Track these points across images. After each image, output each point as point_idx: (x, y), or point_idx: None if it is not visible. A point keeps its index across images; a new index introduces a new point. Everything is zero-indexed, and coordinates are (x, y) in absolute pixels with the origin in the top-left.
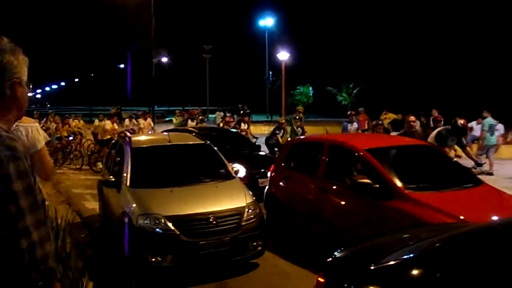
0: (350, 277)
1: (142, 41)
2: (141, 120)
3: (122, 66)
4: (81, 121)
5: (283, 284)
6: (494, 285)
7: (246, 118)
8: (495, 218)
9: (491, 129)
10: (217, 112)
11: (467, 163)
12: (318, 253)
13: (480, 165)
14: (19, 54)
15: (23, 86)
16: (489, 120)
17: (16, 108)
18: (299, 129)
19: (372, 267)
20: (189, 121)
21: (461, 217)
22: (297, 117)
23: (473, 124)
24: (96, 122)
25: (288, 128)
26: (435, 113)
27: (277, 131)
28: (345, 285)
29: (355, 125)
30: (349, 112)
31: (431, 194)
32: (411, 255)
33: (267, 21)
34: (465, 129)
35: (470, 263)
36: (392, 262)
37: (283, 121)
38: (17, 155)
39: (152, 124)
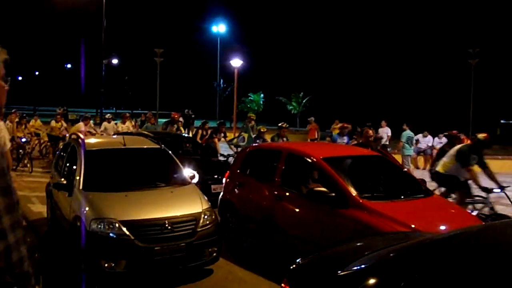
0: (317, 283)
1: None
2: (119, 124)
3: (69, 66)
4: (38, 121)
5: None
6: None
7: (223, 128)
8: (443, 227)
9: (409, 140)
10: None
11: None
12: (273, 260)
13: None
14: None
15: None
16: (408, 132)
17: None
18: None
19: (339, 273)
20: (169, 126)
21: (413, 226)
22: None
23: (419, 136)
24: (53, 123)
25: (245, 135)
26: (383, 124)
27: (257, 140)
28: None
29: (345, 139)
30: (340, 125)
31: (385, 204)
32: (374, 262)
33: (219, 27)
34: (487, 143)
35: (428, 273)
36: (357, 268)
37: (264, 129)
38: None
39: (131, 128)
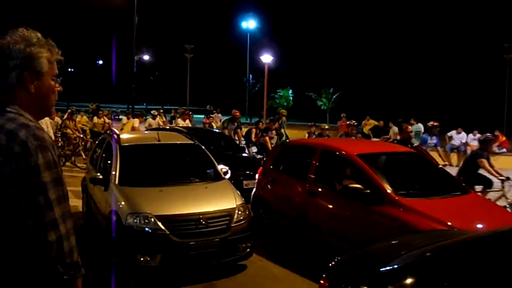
0: (358, 280)
1: (123, 37)
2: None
3: (101, 62)
4: (84, 117)
5: (272, 286)
6: None
7: (275, 125)
8: (481, 226)
9: (418, 134)
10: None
11: None
12: (306, 257)
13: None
14: (42, 46)
15: (42, 80)
16: (417, 126)
17: (33, 102)
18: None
19: (381, 271)
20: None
21: (449, 224)
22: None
23: (452, 133)
24: (95, 119)
25: (282, 131)
26: (413, 121)
27: (264, 133)
28: (355, 287)
29: (435, 139)
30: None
31: (421, 201)
32: (415, 260)
33: (249, 23)
34: None
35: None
36: (398, 265)
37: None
38: (45, 145)
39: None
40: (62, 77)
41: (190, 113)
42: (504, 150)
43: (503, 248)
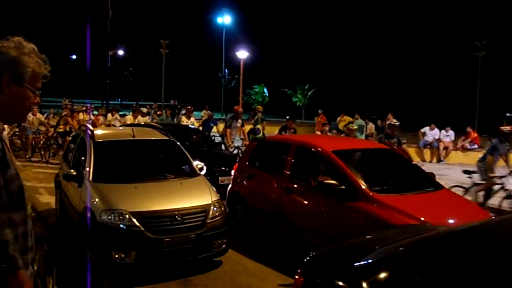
0: (333, 275)
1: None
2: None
3: (74, 57)
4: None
5: (247, 282)
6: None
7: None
8: (453, 221)
9: (361, 129)
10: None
11: None
12: (282, 252)
13: None
14: (31, 57)
15: (20, 87)
16: (359, 121)
17: (3, 104)
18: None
19: (355, 265)
20: (234, 121)
21: (422, 219)
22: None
23: (426, 129)
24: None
25: (260, 127)
26: (390, 117)
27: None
28: (330, 282)
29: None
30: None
31: (394, 197)
32: (389, 255)
33: (225, 19)
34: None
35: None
36: (372, 260)
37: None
38: None
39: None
40: None
41: (191, 108)
42: (476, 146)
43: (475, 241)
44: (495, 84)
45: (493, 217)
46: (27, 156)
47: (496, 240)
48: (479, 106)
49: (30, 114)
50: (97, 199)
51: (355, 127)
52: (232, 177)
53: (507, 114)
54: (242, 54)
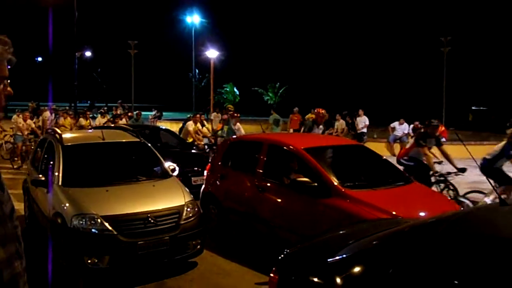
0: (307, 272)
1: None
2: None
3: (40, 59)
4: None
5: (223, 282)
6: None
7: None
8: (423, 214)
9: (275, 122)
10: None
11: None
12: (257, 251)
13: None
14: None
15: None
16: (274, 116)
17: None
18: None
19: (329, 261)
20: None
21: (394, 213)
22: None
23: (395, 124)
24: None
25: (225, 127)
26: (361, 113)
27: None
28: (304, 279)
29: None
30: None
31: (366, 192)
32: (361, 250)
33: (193, 18)
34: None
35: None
36: (346, 255)
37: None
38: None
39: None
40: None
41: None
42: (444, 139)
43: (445, 232)
44: (460, 78)
45: (462, 209)
46: (15, 166)
47: (464, 231)
48: (446, 100)
49: (20, 120)
50: (67, 204)
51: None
52: (205, 177)
53: (473, 108)
54: (212, 53)
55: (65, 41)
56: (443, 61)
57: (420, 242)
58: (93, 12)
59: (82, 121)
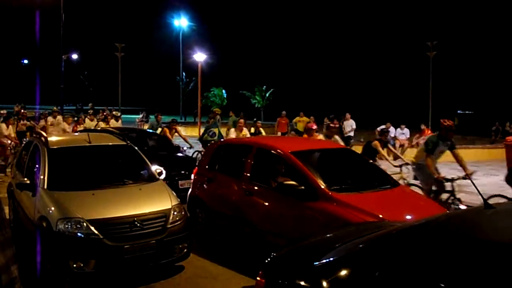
0: (294, 275)
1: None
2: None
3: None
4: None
5: (210, 286)
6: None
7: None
8: (410, 217)
9: (235, 124)
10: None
11: None
12: (244, 255)
13: None
14: None
15: None
16: (233, 117)
17: None
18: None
19: (315, 264)
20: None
21: (380, 216)
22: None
23: (382, 128)
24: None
25: (216, 130)
26: (348, 117)
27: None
28: (291, 282)
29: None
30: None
31: (353, 195)
32: (348, 253)
33: (181, 22)
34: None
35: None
36: (332, 258)
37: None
38: None
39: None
40: None
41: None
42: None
43: (431, 236)
44: (446, 83)
45: (447, 212)
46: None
47: (450, 234)
48: (432, 104)
49: (4, 126)
50: (52, 208)
51: (315, 126)
52: (192, 180)
53: (458, 111)
54: (200, 56)
55: (52, 44)
56: (429, 65)
57: (406, 245)
58: (80, 14)
59: (88, 122)
